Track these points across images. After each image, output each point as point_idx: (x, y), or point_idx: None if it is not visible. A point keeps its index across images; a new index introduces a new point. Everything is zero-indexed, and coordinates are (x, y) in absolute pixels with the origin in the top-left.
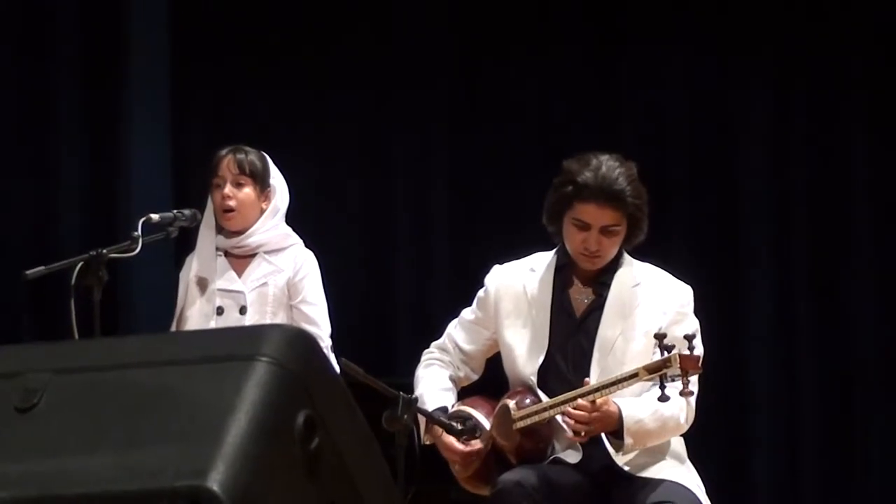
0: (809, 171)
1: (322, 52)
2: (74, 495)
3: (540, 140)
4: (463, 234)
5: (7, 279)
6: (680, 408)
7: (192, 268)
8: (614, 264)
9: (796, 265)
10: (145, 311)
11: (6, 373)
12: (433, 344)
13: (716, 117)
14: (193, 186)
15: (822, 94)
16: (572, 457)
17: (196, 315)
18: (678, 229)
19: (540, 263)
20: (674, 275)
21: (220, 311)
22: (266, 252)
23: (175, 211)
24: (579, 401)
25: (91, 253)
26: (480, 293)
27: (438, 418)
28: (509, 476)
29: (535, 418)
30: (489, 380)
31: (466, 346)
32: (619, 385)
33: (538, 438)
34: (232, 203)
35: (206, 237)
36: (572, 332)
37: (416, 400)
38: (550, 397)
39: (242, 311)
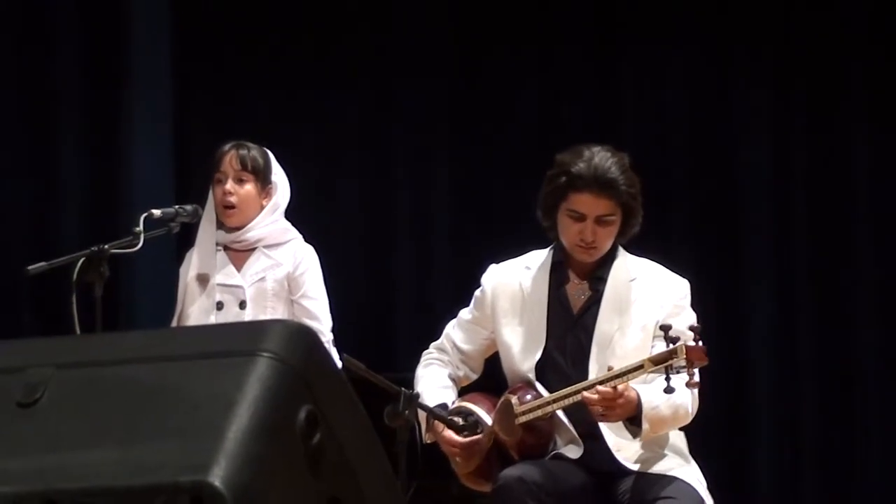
0: (810, 170)
1: (323, 52)
2: (76, 490)
3: (540, 140)
4: (463, 231)
5: (9, 275)
6: (688, 397)
7: (192, 263)
8: (610, 259)
9: (797, 265)
10: (147, 307)
11: (8, 368)
12: (432, 345)
13: (716, 117)
14: (195, 183)
15: (822, 94)
16: (573, 452)
17: (196, 310)
18: (678, 229)
19: (535, 261)
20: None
21: (219, 305)
22: (265, 246)
23: (177, 206)
24: (599, 387)
25: (93, 249)
26: (477, 293)
27: (440, 413)
28: (511, 471)
29: (538, 412)
30: (488, 379)
31: (465, 346)
32: (624, 378)
33: (540, 434)
34: (233, 199)
35: (207, 231)
36: (570, 327)
37: (417, 395)
38: (550, 393)
39: (242, 305)
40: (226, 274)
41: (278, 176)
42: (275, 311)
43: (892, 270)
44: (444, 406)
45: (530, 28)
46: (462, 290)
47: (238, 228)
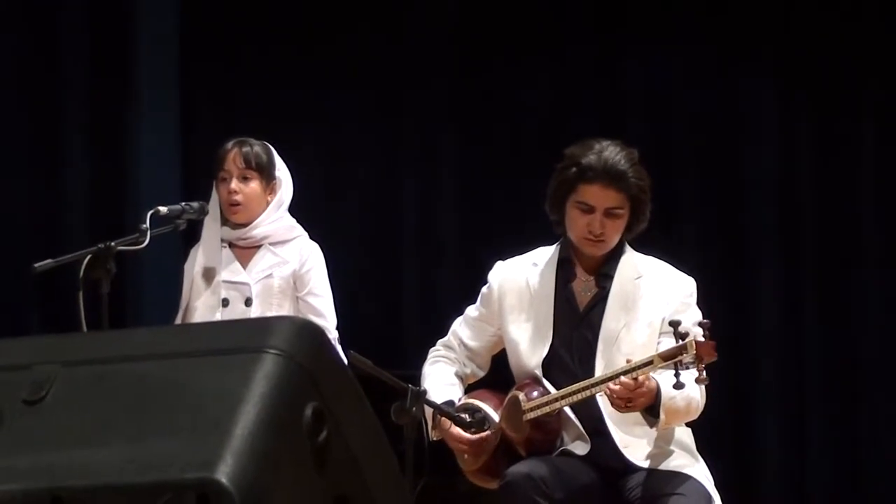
0: (815, 169)
1: (328, 52)
2: (82, 487)
3: (544, 139)
4: (470, 229)
5: (15, 272)
6: (698, 392)
7: (198, 260)
8: (617, 256)
9: (803, 263)
10: (153, 304)
11: (14, 365)
12: (439, 342)
13: (719, 117)
14: (201, 180)
15: (826, 92)
16: (581, 448)
17: (202, 307)
18: (684, 229)
19: (542, 258)
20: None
21: (225, 302)
22: (271, 243)
23: (183, 203)
24: (622, 378)
25: (99, 246)
26: (484, 290)
27: (447, 410)
28: (518, 468)
29: (546, 409)
30: (495, 375)
31: (472, 343)
32: (632, 373)
33: (547, 430)
34: (238, 198)
35: (212, 229)
36: (576, 324)
37: (424, 392)
38: (556, 389)
39: (248, 302)
40: (231, 271)
41: (282, 171)
42: (280, 308)
43: None
44: (450, 403)
45: (534, 28)
46: (468, 287)
47: (243, 224)
